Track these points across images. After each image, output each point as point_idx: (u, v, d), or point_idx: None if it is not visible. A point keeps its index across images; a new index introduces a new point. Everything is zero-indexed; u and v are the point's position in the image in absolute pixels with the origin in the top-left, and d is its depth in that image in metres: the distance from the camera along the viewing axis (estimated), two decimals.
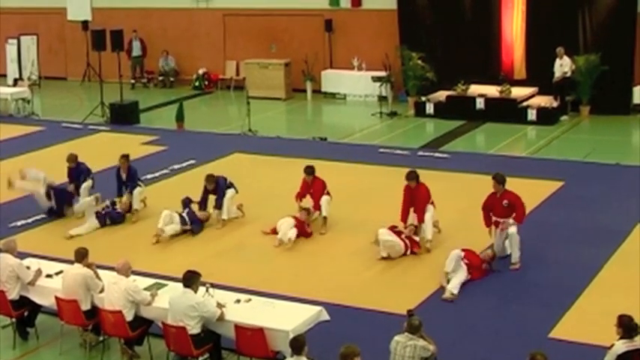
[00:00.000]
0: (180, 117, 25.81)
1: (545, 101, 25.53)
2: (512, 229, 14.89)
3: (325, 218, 16.88)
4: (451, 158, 21.29)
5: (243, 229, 16.94)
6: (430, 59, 27.10)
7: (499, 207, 15.02)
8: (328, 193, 17.01)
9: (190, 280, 11.66)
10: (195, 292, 11.65)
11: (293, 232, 16.14)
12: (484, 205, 15.24)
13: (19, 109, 28.47)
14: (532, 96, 26.20)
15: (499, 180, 15.04)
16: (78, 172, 18.31)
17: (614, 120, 24.97)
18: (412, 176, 15.91)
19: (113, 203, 17.73)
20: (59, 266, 13.40)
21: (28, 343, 12.99)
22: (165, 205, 17.07)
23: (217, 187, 17.29)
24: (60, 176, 18.49)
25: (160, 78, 32.59)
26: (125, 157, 18.18)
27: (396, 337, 10.61)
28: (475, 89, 26.25)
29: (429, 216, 15.79)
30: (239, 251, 16.10)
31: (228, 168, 17.72)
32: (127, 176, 17.99)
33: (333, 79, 29.66)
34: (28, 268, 13.05)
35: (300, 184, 17.17)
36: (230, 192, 17.39)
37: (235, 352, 11.73)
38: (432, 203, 15.95)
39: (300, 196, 17.11)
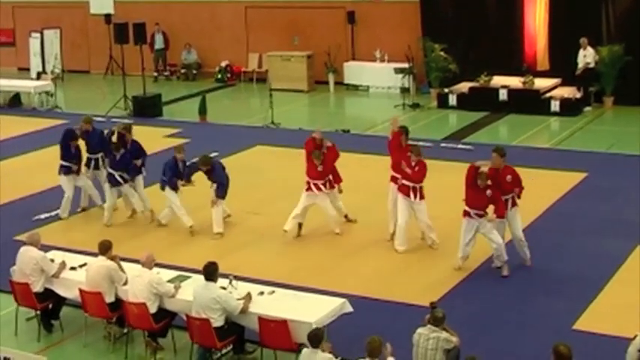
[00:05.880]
0: (202, 110, 25.87)
1: (569, 92, 25.38)
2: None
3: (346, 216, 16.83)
4: (474, 150, 21.19)
5: (265, 221, 16.92)
6: (452, 51, 26.99)
7: (503, 183, 14.15)
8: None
9: (213, 273, 11.71)
10: (216, 282, 11.70)
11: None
12: (493, 183, 14.14)
13: (42, 102, 28.62)
14: (555, 87, 26.05)
15: (502, 154, 14.21)
16: (94, 138, 17.91)
17: (638, 111, 24.75)
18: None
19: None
20: (83, 259, 13.49)
21: (52, 335, 13.08)
22: (188, 199, 16.99)
23: (213, 170, 16.48)
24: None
25: (183, 71, 32.63)
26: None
27: (419, 330, 10.60)
28: (498, 80, 26.13)
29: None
30: (262, 243, 16.12)
31: (250, 160, 17.70)
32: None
33: (355, 71, 29.61)
34: (52, 260, 13.13)
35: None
36: (218, 208, 16.47)
37: (259, 344, 11.77)
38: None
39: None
